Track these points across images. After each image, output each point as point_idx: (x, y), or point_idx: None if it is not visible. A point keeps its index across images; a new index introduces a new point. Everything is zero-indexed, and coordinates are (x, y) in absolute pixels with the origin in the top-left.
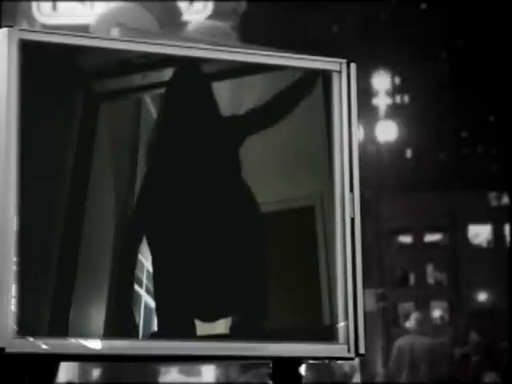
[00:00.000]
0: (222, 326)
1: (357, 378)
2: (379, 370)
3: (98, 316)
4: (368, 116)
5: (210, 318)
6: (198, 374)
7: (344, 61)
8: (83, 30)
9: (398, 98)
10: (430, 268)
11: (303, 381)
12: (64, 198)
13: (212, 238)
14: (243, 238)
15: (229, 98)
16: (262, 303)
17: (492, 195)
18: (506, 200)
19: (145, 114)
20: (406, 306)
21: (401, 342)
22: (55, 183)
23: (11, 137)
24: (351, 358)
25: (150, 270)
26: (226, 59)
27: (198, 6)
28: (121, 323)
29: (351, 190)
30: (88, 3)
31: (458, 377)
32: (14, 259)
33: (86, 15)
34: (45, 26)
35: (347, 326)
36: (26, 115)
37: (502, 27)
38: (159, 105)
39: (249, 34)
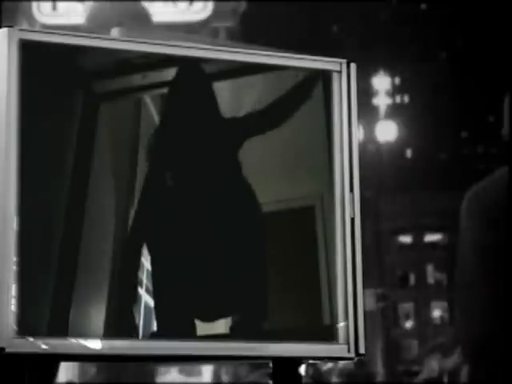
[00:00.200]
0: (222, 325)
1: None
2: (379, 369)
3: (97, 316)
4: (368, 116)
5: (210, 317)
6: (198, 374)
7: (344, 61)
8: (83, 30)
9: (397, 98)
10: (429, 268)
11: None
12: (64, 198)
13: (212, 237)
14: (243, 237)
15: (229, 97)
16: (261, 303)
17: None
18: None
19: (145, 114)
20: (406, 306)
21: None
22: (55, 183)
23: (11, 137)
24: (351, 358)
25: (150, 269)
26: (226, 59)
27: (197, 5)
28: (121, 323)
29: (351, 190)
30: (88, 3)
31: None
32: (14, 259)
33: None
34: (45, 26)
35: (347, 326)
36: (26, 115)
37: (502, 27)
38: (159, 105)
39: (249, 34)
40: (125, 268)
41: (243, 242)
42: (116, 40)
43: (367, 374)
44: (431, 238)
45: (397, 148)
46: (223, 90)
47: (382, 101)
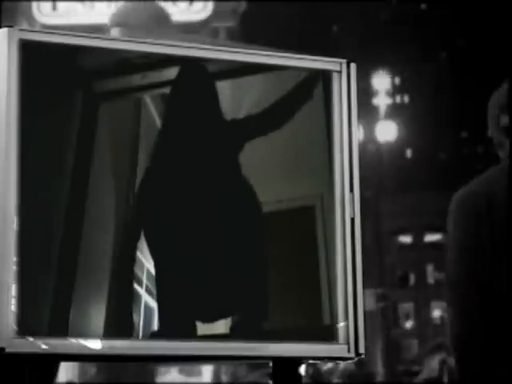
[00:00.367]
0: (222, 326)
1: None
2: (379, 369)
3: (98, 316)
4: (368, 116)
5: (210, 317)
6: (198, 374)
7: (344, 61)
8: (83, 30)
9: (397, 98)
10: (429, 268)
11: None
12: (64, 198)
13: (212, 237)
14: (243, 237)
15: (229, 97)
16: (262, 303)
17: None
18: None
19: (145, 114)
20: (406, 306)
21: None
22: (55, 183)
23: (11, 137)
24: (351, 358)
25: (150, 269)
26: (226, 59)
27: (197, 5)
28: (121, 323)
29: (351, 190)
30: (88, 3)
31: None
32: (14, 259)
33: (86, 15)
34: (45, 26)
35: (347, 326)
36: (26, 115)
37: (502, 27)
38: (159, 105)
39: (249, 34)
40: (125, 268)
41: (243, 242)
42: (116, 40)
43: (367, 374)
44: (431, 237)
45: (397, 148)
46: (223, 90)
47: (382, 101)
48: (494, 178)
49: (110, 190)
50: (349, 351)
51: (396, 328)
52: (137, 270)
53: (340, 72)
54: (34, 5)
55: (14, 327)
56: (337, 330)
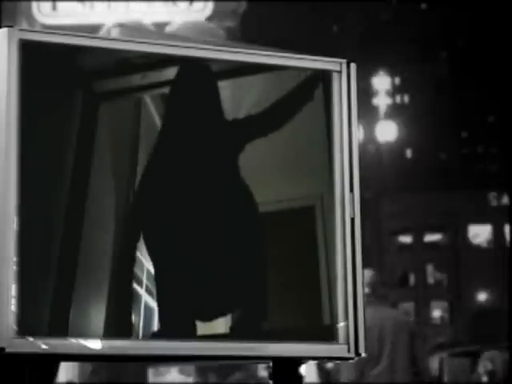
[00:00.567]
0: (222, 325)
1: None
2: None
3: (97, 316)
4: (368, 116)
5: (210, 317)
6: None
7: (344, 61)
8: (83, 29)
9: (398, 98)
10: (430, 268)
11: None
12: (64, 198)
13: (212, 237)
14: (243, 237)
15: (229, 97)
16: (262, 303)
17: (492, 195)
18: (505, 200)
19: (145, 114)
20: (406, 306)
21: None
22: (55, 183)
23: (11, 137)
24: (351, 358)
25: (150, 269)
26: (226, 59)
27: (197, 5)
28: (121, 323)
29: (351, 190)
30: (88, 3)
31: None
32: (14, 259)
33: (85, 15)
34: (45, 26)
35: (347, 326)
36: (26, 115)
37: (502, 27)
38: (159, 105)
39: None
40: (125, 268)
41: (243, 242)
42: (116, 40)
43: None
44: (431, 237)
45: (397, 148)
46: (223, 90)
47: (382, 101)
48: None
49: (110, 189)
50: (349, 351)
51: None
52: (137, 270)
53: (340, 72)
54: (34, 5)
55: (14, 327)
56: (337, 329)
